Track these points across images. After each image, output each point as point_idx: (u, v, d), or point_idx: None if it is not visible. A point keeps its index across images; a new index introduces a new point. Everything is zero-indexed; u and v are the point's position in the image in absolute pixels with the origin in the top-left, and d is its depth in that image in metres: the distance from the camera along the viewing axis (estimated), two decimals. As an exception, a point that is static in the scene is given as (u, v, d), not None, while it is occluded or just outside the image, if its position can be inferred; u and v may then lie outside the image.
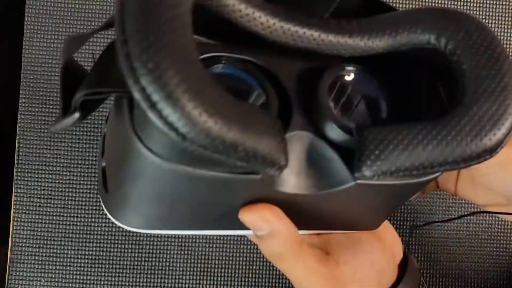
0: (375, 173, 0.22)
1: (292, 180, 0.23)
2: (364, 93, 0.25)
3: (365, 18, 0.24)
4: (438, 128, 0.22)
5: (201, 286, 0.49)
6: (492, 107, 0.22)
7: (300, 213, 0.25)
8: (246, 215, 0.24)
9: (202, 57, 0.22)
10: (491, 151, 0.22)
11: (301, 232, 0.28)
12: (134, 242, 0.49)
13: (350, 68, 0.25)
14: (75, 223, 0.48)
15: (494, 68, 0.23)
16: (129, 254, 0.48)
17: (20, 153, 0.48)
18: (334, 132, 0.23)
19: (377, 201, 0.27)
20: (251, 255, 0.49)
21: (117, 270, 0.48)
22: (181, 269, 0.49)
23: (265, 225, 0.24)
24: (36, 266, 0.48)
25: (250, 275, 0.49)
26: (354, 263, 0.30)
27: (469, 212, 0.50)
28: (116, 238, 0.48)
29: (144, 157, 0.20)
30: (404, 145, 0.21)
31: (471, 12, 0.52)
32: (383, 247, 0.32)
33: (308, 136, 0.23)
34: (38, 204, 0.48)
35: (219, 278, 0.49)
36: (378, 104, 0.25)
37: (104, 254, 0.48)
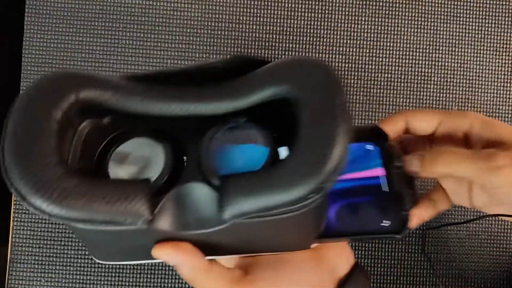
0: (232, 216, 0.26)
1: (182, 222, 0.28)
2: (244, 141, 0.30)
3: (234, 80, 0.29)
4: (272, 176, 0.26)
5: (201, 286, 0.49)
6: (314, 154, 0.25)
7: (212, 244, 0.30)
8: (154, 252, 0.29)
9: (111, 136, 0.30)
10: (319, 190, 0.25)
11: (222, 257, 0.34)
12: (134, 242, 0.49)
13: (232, 121, 0.30)
14: (75, 223, 0.48)
15: (327, 117, 0.26)
16: (129, 254, 0.49)
17: (20, 153, 0.48)
18: (215, 181, 0.28)
19: (277, 230, 0.30)
20: (251, 255, 0.49)
21: (117, 270, 0.48)
22: (181, 269, 0.49)
23: (169, 259, 0.29)
24: (36, 266, 0.48)
25: (250, 275, 0.49)
26: (272, 282, 0.33)
27: (478, 216, 0.50)
28: (116, 238, 0.48)
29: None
30: (247, 193, 0.26)
31: (471, 12, 0.52)
32: (319, 265, 0.35)
33: (198, 185, 0.28)
34: (38, 204, 0.48)
35: (219, 278, 0.49)
36: (256, 149, 0.30)
37: (104, 254, 0.48)
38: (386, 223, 0.34)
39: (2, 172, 0.25)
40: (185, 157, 0.29)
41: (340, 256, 0.37)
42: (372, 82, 0.51)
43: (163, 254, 0.29)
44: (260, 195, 0.26)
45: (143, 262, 0.33)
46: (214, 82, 0.29)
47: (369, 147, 0.36)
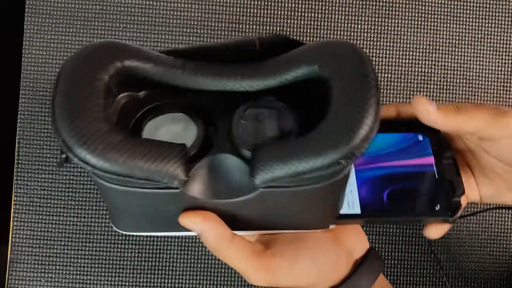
0: (263, 181, 0.27)
1: (213, 190, 0.29)
2: (273, 116, 0.31)
3: (267, 60, 0.30)
4: (304, 142, 0.27)
5: (201, 286, 0.49)
6: (347, 121, 0.27)
7: (237, 217, 0.31)
8: (181, 219, 0.30)
9: (145, 109, 0.31)
10: (350, 156, 0.26)
11: (245, 232, 0.35)
12: (134, 242, 0.49)
13: (262, 99, 0.31)
14: (75, 223, 0.48)
15: (359, 88, 0.27)
16: (129, 254, 0.49)
17: (20, 153, 0.48)
18: (245, 152, 0.29)
19: (301, 204, 0.32)
20: (251, 255, 0.49)
21: (117, 270, 0.48)
22: (181, 269, 0.49)
23: (195, 227, 0.30)
24: (36, 266, 0.48)
25: (250, 275, 0.49)
26: (292, 258, 0.34)
27: (482, 209, 0.50)
28: (116, 238, 0.48)
29: (100, 183, 0.29)
30: (280, 159, 0.27)
31: (471, 12, 0.52)
32: (337, 246, 0.36)
33: (228, 156, 0.29)
34: (38, 204, 0.48)
35: (219, 278, 0.49)
36: (285, 123, 0.31)
37: (104, 254, 0.48)
38: (437, 208, 0.37)
39: (51, 123, 0.27)
40: (215, 130, 0.31)
41: (356, 239, 0.38)
42: (372, 82, 0.51)
43: (190, 221, 0.30)
44: (293, 159, 0.27)
45: (165, 234, 0.35)
46: (250, 59, 0.30)
47: (420, 137, 0.39)
